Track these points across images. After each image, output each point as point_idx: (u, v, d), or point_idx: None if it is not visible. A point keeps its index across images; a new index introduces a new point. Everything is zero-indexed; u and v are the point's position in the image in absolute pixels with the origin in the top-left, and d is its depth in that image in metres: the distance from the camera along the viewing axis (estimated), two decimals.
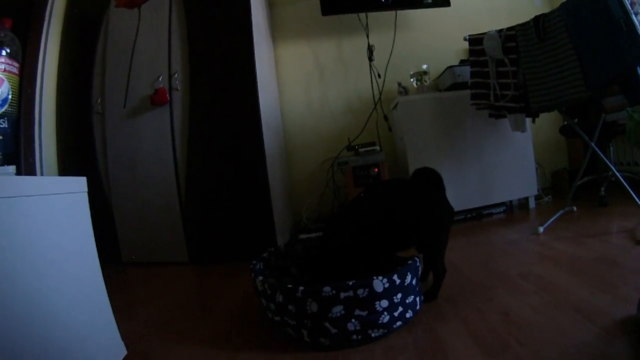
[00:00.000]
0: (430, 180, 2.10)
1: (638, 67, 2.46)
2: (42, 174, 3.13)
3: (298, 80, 4.73)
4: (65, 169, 3.69)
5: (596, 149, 2.97)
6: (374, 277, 1.65)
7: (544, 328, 1.53)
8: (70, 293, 1.24)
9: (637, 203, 2.68)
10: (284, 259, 2.33)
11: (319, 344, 1.65)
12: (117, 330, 1.49)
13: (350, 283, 1.62)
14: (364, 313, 1.63)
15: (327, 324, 1.62)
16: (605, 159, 2.99)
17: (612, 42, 2.51)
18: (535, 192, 4.13)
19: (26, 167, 2.96)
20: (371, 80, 4.52)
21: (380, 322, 1.65)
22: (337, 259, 1.97)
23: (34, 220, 1.12)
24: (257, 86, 3.33)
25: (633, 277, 1.86)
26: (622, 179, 2.80)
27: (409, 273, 1.76)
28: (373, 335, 1.65)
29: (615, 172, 2.86)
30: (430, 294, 1.97)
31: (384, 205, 2.00)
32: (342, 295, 1.61)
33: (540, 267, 2.29)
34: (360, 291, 1.62)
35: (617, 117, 3.48)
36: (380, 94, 4.53)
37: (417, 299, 1.83)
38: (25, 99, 3.12)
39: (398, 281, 1.71)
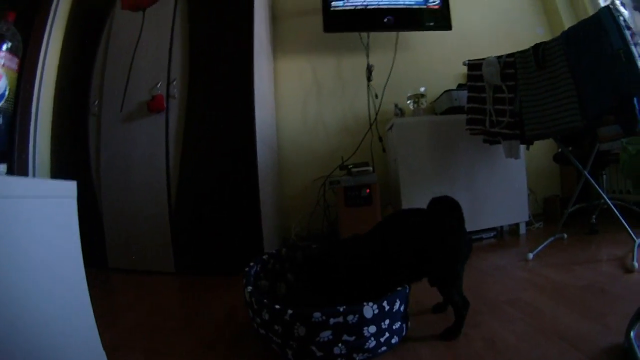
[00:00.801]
0: (448, 210, 2.03)
1: (634, 98, 2.46)
2: (34, 172, 3.13)
3: (295, 96, 4.73)
4: (58, 168, 3.67)
5: (589, 177, 2.97)
6: (365, 303, 1.64)
7: (529, 355, 1.52)
8: (53, 299, 1.21)
9: (629, 231, 2.67)
10: (282, 264, 2.33)
11: None
12: (98, 339, 1.46)
13: (341, 309, 1.60)
14: (352, 338, 1.60)
15: (313, 348, 1.60)
16: (598, 188, 3.00)
17: (610, 72, 2.52)
18: (527, 219, 4.12)
19: (19, 164, 2.95)
20: (368, 100, 4.53)
21: (366, 347, 1.63)
22: (335, 276, 1.93)
23: (21, 222, 1.09)
24: (253, 100, 3.32)
25: (621, 305, 1.85)
26: (613, 207, 2.80)
27: (398, 300, 1.73)
28: (357, 359, 1.64)
29: (608, 201, 2.85)
30: (450, 332, 1.83)
31: (394, 232, 1.96)
32: (332, 321, 1.59)
33: (528, 293, 2.27)
34: (350, 317, 1.60)
35: (611, 146, 3.49)
36: (377, 114, 4.54)
37: (404, 325, 1.80)
38: (24, 96, 3.11)
39: (387, 307, 1.68)
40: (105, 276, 3.41)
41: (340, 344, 1.59)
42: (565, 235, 3.45)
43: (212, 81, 3.37)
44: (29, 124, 3.19)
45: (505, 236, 4.11)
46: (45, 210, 1.21)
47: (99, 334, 1.46)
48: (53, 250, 1.24)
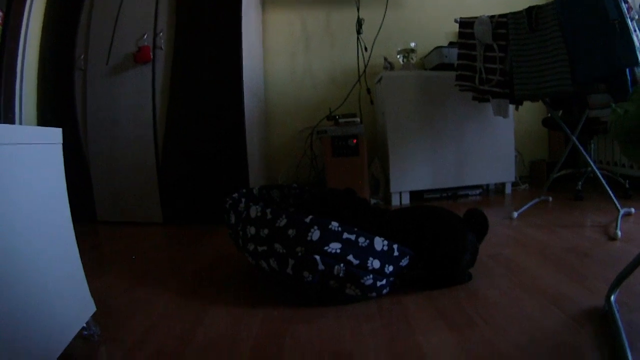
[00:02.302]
0: (475, 223, 1.99)
1: (627, 69, 2.45)
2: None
3: (284, 48, 4.65)
4: (45, 123, 3.59)
5: (577, 142, 2.96)
6: (378, 237, 1.68)
7: (510, 310, 1.53)
8: (39, 245, 1.20)
9: (614, 200, 2.68)
10: (255, 203, 2.29)
11: (299, 277, 1.66)
12: (86, 286, 1.46)
13: (356, 229, 1.66)
14: (356, 262, 1.63)
15: (318, 257, 1.62)
16: (586, 154, 2.99)
17: (604, 42, 2.49)
18: (513, 179, 4.15)
19: (6, 121, 2.91)
20: (357, 53, 4.45)
21: (362, 281, 1.64)
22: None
23: (6, 169, 1.07)
24: (241, 50, 3.30)
25: (603, 270, 1.86)
26: (600, 176, 2.80)
27: (408, 257, 1.75)
28: (347, 291, 1.67)
29: (595, 168, 2.86)
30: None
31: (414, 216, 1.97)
32: (345, 235, 1.65)
33: (511, 250, 2.30)
34: (361, 239, 1.66)
35: (601, 114, 3.48)
36: (366, 67, 4.47)
37: (398, 282, 1.81)
38: (8, 52, 3.05)
39: (396, 253, 1.71)
40: (94, 229, 3.42)
41: (342, 264, 1.62)
42: (551, 199, 3.48)
43: (199, 32, 3.35)
44: (15, 82, 3.14)
45: (491, 194, 4.16)
46: (31, 156, 1.19)
47: (90, 282, 1.47)
48: (40, 196, 1.23)
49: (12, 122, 2.99)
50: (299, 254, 1.65)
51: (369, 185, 3.90)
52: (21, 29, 3.22)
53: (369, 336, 1.41)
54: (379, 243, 1.67)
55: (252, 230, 1.82)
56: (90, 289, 1.47)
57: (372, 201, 3.95)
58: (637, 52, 2.39)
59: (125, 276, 2.21)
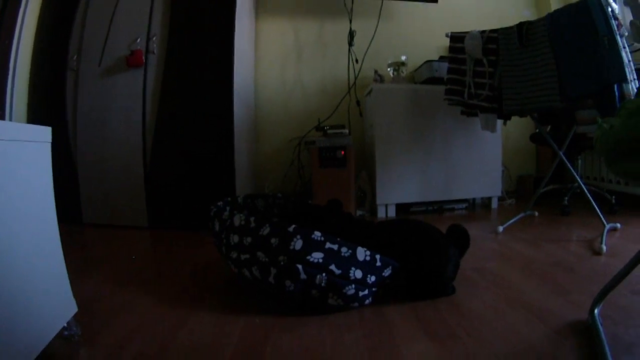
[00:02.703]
0: (456, 238, 1.99)
1: (615, 85, 2.46)
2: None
3: (275, 57, 4.65)
4: (34, 122, 3.53)
5: (564, 157, 2.97)
6: (360, 247, 1.70)
7: (494, 323, 1.51)
8: (23, 242, 1.19)
9: (600, 215, 2.68)
10: (240, 211, 2.29)
11: (281, 286, 1.66)
12: (69, 286, 1.45)
13: (339, 239, 1.67)
14: (338, 272, 1.63)
15: (300, 267, 1.62)
16: (572, 170, 3.00)
17: (593, 58, 2.50)
18: (499, 194, 4.15)
19: None
20: (348, 65, 4.47)
21: (344, 291, 1.64)
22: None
23: None
24: (233, 57, 3.32)
25: (587, 284, 1.85)
26: (586, 191, 2.80)
27: (390, 267, 1.75)
28: (329, 301, 1.66)
29: (581, 183, 2.86)
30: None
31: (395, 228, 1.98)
32: (328, 245, 1.66)
33: (496, 264, 2.29)
34: (344, 249, 1.67)
35: (588, 129, 3.50)
36: (356, 78, 4.48)
37: (380, 293, 1.81)
38: (1, 51, 3.03)
39: (379, 264, 1.72)
40: (79, 230, 3.40)
41: (324, 274, 1.62)
42: (537, 213, 3.48)
43: (192, 38, 3.36)
44: (7, 79, 3.14)
45: (477, 209, 4.15)
46: (19, 152, 1.19)
47: (73, 286, 1.47)
48: (26, 193, 1.23)
49: (2, 118, 2.97)
50: (282, 262, 1.65)
51: (355, 197, 3.88)
52: (15, 27, 3.22)
53: (351, 346, 1.40)
54: (362, 253, 1.68)
55: (236, 238, 1.81)
56: (73, 291, 1.47)
57: (358, 213, 3.94)
58: (626, 69, 2.40)
59: (109, 279, 2.19)
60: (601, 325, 1.33)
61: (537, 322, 1.49)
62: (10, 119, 3.20)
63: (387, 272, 1.73)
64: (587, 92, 2.58)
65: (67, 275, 1.44)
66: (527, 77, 2.82)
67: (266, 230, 1.71)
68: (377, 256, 1.71)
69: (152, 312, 1.74)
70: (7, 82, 3.12)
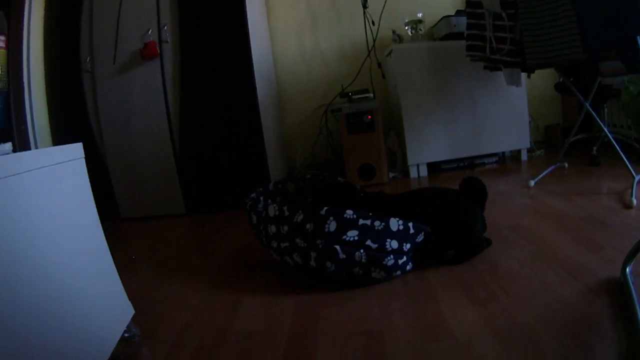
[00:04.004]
0: (474, 192, 2.07)
1: (638, 37, 2.45)
2: (35, 140, 3.10)
3: (290, 27, 4.63)
4: (58, 131, 3.66)
5: (590, 109, 2.97)
6: (392, 218, 1.76)
7: (530, 282, 1.60)
8: (76, 264, 1.24)
9: (628, 166, 2.71)
10: (272, 198, 2.37)
11: (323, 268, 1.74)
12: (123, 291, 1.52)
13: (370, 214, 1.73)
14: (374, 246, 1.71)
15: (338, 247, 1.70)
16: (599, 120, 3.00)
17: (614, 7, 2.47)
18: (528, 145, 4.17)
19: (19, 135, 2.94)
20: (365, 27, 4.43)
21: (384, 263, 1.72)
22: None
23: (34, 196, 1.10)
24: (248, 33, 3.32)
25: (619, 239, 1.90)
26: (614, 142, 2.81)
27: (423, 233, 1.82)
28: (373, 274, 1.74)
29: (609, 135, 2.87)
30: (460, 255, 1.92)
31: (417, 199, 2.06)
32: (361, 221, 1.73)
33: (529, 220, 2.35)
34: (377, 223, 1.73)
35: (613, 81, 3.47)
36: (374, 41, 4.44)
37: (419, 255, 1.88)
38: (13, 66, 3.07)
39: (412, 231, 1.79)
40: (118, 227, 3.48)
41: (362, 250, 1.70)
42: (566, 165, 3.50)
43: (204, 20, 3.36)
44: (24, 94, 3.13)
45: (507, 162, 4.19)
46: (56, 177, 1.22)
47: (124, 283, 1.54)
48: (70, 214, 1.27)
49: (26, 133, 3.02)
50: (320, 246, 1.72)
51: (386, 160, 3.95)
52: (22, 41, 3.22)
53: (398, 314, 1.49)
54: (395, 224, 1.75)
55: (273, 228, 1.89)
56: (126, 290, 1.53)
57: (390, 175, 4.00)
58: None
59: (157, 272, 2.29)
60: (632, 284, 1.39)
61: (571, 280, 1.56)
62: (33, 132, 3.21)
63: (420, 238, 1.81)
64: (609, 43, 2.57)
65: (120, 281, 1.50)
66: (549, 29, 2.79)
67: (300, 217, 1.78)
68: (410, 224, 1.78)
69: (203, 301, 1.84)
70: (24, 96, 3.15)
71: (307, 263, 1.78)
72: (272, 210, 1.90)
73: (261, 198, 2.28)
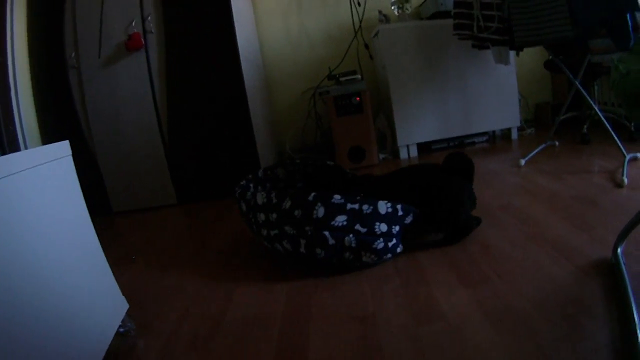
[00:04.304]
0: (461, 167, 2.06)
1: (628, 14, 2.44)
2: (24, 140, 3.07)
3: (275, 11, 4.57)
4: (47, 129, 3.62)
5: (580, 87, 2.97)
6: (380, 200, 1.75)
7: (522, 263, 1.60)
8: (68, 261, 1.24)
9: (619, 145, 2.70)
10: (262, 185, 2.38)
11: (313, 255, 1.74)
12: (117, 286, 1.51)
13: (358, 197, 1.72)
14: (364, 230, 1.71)
15: (327, 233, 1.70)
16: (589, 99, 3.00)
17: None
18: (518, 124, 4.16)
19: (8, 136, 2.91)
20: (351, 8, 4.40)
21: (374, 246, 1.71)
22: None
23: (24, 196, 1.09)
24: (233, 19, 3.29)
25: (610, 219, 1.91)
26: (604, 120, 2.80)
27: (411, 214, 1.82)
28: (363, 259, 1.74)
29: (600, 113, 2.85)
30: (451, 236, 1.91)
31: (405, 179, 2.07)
32: (349, 205, 1.71)
33: (520, 200, 2.35)
34: (365, 206, 1.72)
35: (603, 59, 3.46)
36: (361, 21, 4.42)
37: (409, 236, 1.88)
38: None
39: (400, 213, 1.78)
40: (111, 221, 3.45)
41: (351, 235, 1.70)
42: (557, 143, 3.50)
43: (188, 9, 3.33)
44: (10, 94, 3.11)
45: (497, 140, 4.19)
46: (45, 176, 1.22)
47: (117, 278, 1.52)
48: (60, 212, 1.26)
49: (15, 133, 2.99)
50: (309, 232, 1.72)
51: (376, 141, 3.93)
52: (6, 41, 3.17)
53: (389, 297, 1.50)
54: (383, 207, 1.74)
55: (262, 216, 1.88)
56: (119, 284, 1.53)
57: (381, 156, 3.99)
58: None
59: (151, 264, 2.28)
60: (624, 264, 1.40)
61: (563, 260, 1.56)
62: (22, 131, 3.18)
63: (409, 219, 1.81)
64: (598, 20, 2.55)
65: (112, 276, 1.50)
66: (537, 6, 2.76)
67: (288, 204, 1.77)
68: (399, 206, 1.78)
69: (198, 292, 1.84)
70: (10, 96, 3.11)
71: (297, 250, 1.78)
72: (260, 198, 1.89)
73: (251, 185, 2.28)
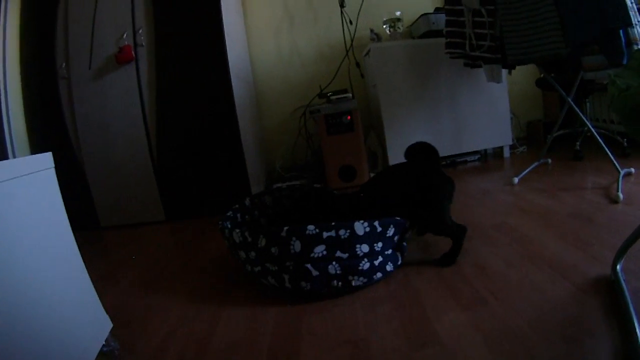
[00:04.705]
0: (425, 156, 2.03)
1: (620, 30, 2.43)
2: (12, 149, 3.05)
3: (267, 28, 4.59)
4: (35, 137, 3.60)
5: (573, 104, 2.96)
6: (355, 221, 1.68)
7: (519, 283, 1.55)
8: (48, 277, 1.19)
9: (612, 160, 2.68)
10: (250, 213, 2.33)
11: (299, 288, 1.68)
12: (100, 304, 1.46)
13: (333, 223, 1.65)
14: (345, 255, 1.65)
15: (309, 266, 1.64)
16: (582, 116, 2.99)
17: (595, 2, 2.46)
18: (510, 142, 4.15)
19: None
20: (342, 27, 4.40)
21: (360, 268, 1.66)
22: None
23: (2, 208, 1.05)
24: (224, 36, 3.28)
25: (607, 236, 1.87)
26: (598, 137, 2.79)
27: (392, 226, 1.76)
28: (353, 283, 1.68)
29: (593, 130, 2.84)
30: (447, 257, 1.87)
31: (376, 190, 2.01)
32: (325, 234, 1.64)
33: (514, 219, 2.31)
34: (342, 232, 1.65)
35: (595, 76, 3.46)
36: (352, 40, 4.42)
37: (399, 254, 1.84)
38: None
39: (379, 229, 1.71)
40: (98, 236, 3.40)
41: (334, 262, 1.64)
42: (550, 160, 3.48)
43: (179, 23, 3.33)
44: (0, 104, 3.10)
45: (489, 159, 4.18)
46: (25, 188, 1.17)
47: (101, 296, 1.47)
48: (40, 226, 1.21)
49: (3, 142, 2.96)
50: (290, 267, 1.67)
51: (367, 160, 3.90)
52: None
53: (382, 320, 1.45)
54: (360, 227, 1.68)
55: (243, 254, 1.84)
56: (103, 302, 1.47)
57: (372, 175, 3.95)
58: (630, 12, 2.37)
59: (136, 283, 2.22)
60: (624, 281, 1.36)
61: (561, 279, 1.52)
62: (11, 141, 3.16)
63: (390, 232, 1.76)
64: (591, 37, 2.55)
65: (95, 293, 1.44)
66: (529, 24, 2.77)
67: (263, 242, 1.71)
68: (375, 223, 1.71)
69: (184, 312, 1.78)
70: (1, 105, 3.10)
71: (282, 285, 1.72)
72: (237, 237, 1.83)
73: (238, 215, 2.23)
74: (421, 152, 2.04)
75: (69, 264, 1.34)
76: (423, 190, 1.87)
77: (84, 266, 1.42)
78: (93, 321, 1.39)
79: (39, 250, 1.17)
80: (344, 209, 1.95)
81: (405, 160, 2.09)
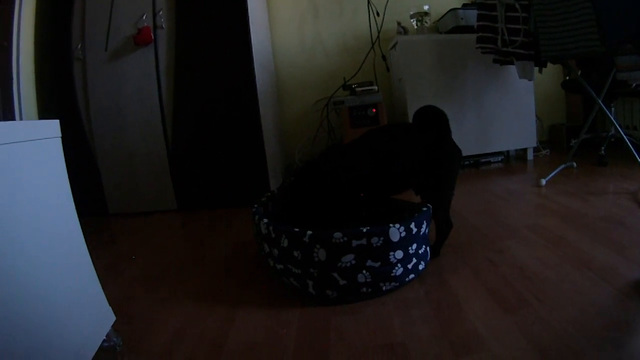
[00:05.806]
0: (434, 121, 1.96)
1: None
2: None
3: (290, 17, 4.54)
4: (45, 119, 3.50)
5: (603, 106, 2.93)
6: (391, 225, 1.56)
7: (560, 285, 1.53)
8: (47, 258, 1.10)
9: None
10: (276, 204, 2.22)
11: (324, 296, 1.58)
12: (102, 294, 1.37)
13: (365, 230, 1.53)
14: (377, 264, 1.54)
15: (335, 275, 1.54)
16: (613, 119, 2.97)
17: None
18: (535, 144, 4.12)
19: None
20: (369, 19, 4.36)
21: (393, 274, 1.57)
22: (319, 194, 1.91)
23: (1, 172, 0.97)
24: (248, 20, 3.20)
25: None
26: (628, 142, 2.76)
27: (425, 222, 1.70)
28: (384, 288, 1.59)
29: (622, 133, 2.81)
30: (432, 250, 1.85)
31: (381, 146, 1.95)
32: (355, 243, 1.52)
33: (547, 220, 2.29)
34: (374, 239, 1.53)
35: (629, 77, 3.43)
36: (379, 32, 4.36)
37: (428, 247, 1.77)
38: (2, 52, 2.99)
39: (414, 230, 1.62)
40: (106, 223, 3.33)
41: (364, 271, 1.54)
42: (575, 164, 3.44)
43: (201, 5, 3.24)
44: (11, 82, 3.06)
45: (512, 161, 4.14)
46: (29, 154, 1.08)
47: (105, 286, 1.38)
48: (42, 198, 1.12)
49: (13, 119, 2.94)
50: (315, 274, 1.56)
51: None
52: (13, 27, 3.14)
53: (420, 323, 1.39)
54: (395, 234, 1.56)
55: (267, 247, 1.77)
56: (107, 294, 1.39)
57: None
58: None
59: (144, 275, 2.12)
60: None
61: (601, 282, 1.50)
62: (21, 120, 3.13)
63: (424, 228, 1.70)
64: (627, 36, 2.51)
65: (98, 283, 1.35)
66: (564, 21, 2.72)
67: (285, 242, 1.63)
68: (412, 225, 1.61)
69: (195, 309, 1.68)
70: (12, 84, 3.07)
71: (305, 289, 1.62)
72: (263, 228, 1.75)
73: (270, 204, 2.17)
74: (432, 117, 1.98)
75: (71, 245, 1.26)
76: (432, 164, 1.86)
77: (88, 251, 1.33)
78: (94, 312, 1.31)
79: (38, 225, 1.09)
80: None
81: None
